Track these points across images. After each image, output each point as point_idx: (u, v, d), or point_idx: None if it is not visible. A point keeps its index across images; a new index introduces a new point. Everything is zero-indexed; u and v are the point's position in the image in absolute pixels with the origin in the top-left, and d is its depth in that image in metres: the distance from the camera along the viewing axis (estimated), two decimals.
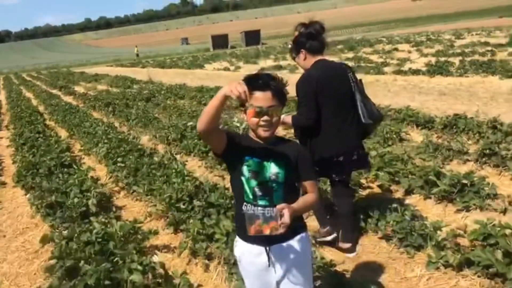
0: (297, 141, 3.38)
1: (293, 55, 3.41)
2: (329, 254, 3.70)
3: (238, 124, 7.94)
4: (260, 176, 1.99)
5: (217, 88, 15.06)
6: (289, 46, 3.54)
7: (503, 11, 59.23)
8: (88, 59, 71.34)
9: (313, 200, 2.05)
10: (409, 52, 23.74)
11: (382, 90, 12.50)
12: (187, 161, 6.33)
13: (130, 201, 5.62)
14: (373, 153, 6.17)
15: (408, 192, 4.77)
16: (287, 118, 3.37)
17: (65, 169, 6.48)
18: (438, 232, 3.60)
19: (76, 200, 4.78)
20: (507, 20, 43.59)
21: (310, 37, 3.32)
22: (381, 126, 7.10)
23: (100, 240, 3.79)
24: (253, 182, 1.99)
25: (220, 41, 59.89)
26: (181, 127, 8.00)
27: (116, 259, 3.42)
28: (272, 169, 1.99)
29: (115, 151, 6.88)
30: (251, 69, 25.24)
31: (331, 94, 3.28)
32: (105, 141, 7.58)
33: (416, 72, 14.68)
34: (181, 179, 5.09)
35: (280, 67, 23.25)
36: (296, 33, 3.40)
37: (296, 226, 2.00)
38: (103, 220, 4.43)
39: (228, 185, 3.83)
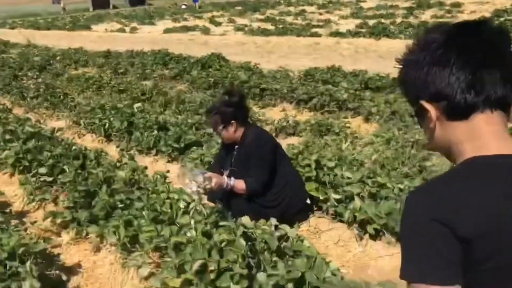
0: None
1: (219, 127, 3.11)
2: None
3: None
4: None
5: (128, 52, 12.18)
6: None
7: None
8: None
9: None
10: (320, 14, 22.61)
11: (335, 55, 10.90)
12: (168, 171, 3.98)
13: (85, 252, 3.20)
14: None
15: None
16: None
17: None
18: None
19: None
20: None
21: (240, 107, 3.14)
22: None
23: None
24: None
25: (100, 1, 53.55)
26: (126, 111, 5.45)
27: None
28: None
29: (32, 155, 4.20)
30: (152, 30, 22.35)
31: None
32: (7, 136, 4.78)
33: (356, 34, 13.34)
34: (191, 219, 2.83)
35: (188, 28, 20.59)
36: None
37: None
38: None
39: None
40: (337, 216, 3.28)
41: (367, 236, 3.09)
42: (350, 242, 3.11)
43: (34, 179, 3.99)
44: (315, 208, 3.42)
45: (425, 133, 1.10)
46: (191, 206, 2.94)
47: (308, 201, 3.27)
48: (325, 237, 3.20)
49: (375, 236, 3.06)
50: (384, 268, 2.83)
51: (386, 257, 2.90)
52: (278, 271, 2.23)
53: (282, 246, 2.48)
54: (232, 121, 3.06)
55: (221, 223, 2.68)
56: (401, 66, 1.07)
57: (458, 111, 0.98)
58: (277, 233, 2.51)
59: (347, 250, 3.04)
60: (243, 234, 2.50)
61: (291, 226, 3.22)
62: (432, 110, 1.00)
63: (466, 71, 0.95)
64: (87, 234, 3.30)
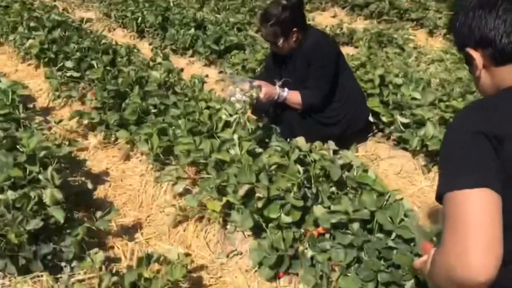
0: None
1: (279, 40, 2.50)
2: None
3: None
4: None
5: None
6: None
7: None
8: None
9: None
10: None
11: None
12: (207, 76, 3.52)
13: (114, 159, 2.89)
14: None
15: None
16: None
17: None
18: None
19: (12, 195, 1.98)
20: None
21: (299, 8, 2.54)
22: None
23: None
24: None
25: None
26: (161, 4, 4.88)
27: None
28: None
29: (58, 46, 3.80)
30: None
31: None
32: (32, 24, 4.33)
33: None
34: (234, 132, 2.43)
35: None
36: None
37: None
38: None
39: None
40: (401, 143, 2.83)
41: (435, 168, 2.66)
42: (415, 174, 2.69)
43: (60, 73, 3.62)
44: (375, 130, 2.98)
45: (474, 80, 1.08)
46: (233, 118, 2.53)
47: (370, 118, 2.82)
48: (384, 165, 2.79)
49: None
50: None
51: None
52: (341, 207, 1.84)
53: (344, 176, 2.08)
54: (294, 29, 2.52)
55: (273, 143, 2.27)
56: (452, 13, 1.05)
57: (505, 56, 0.95)
58: (340, 161, 2.09)
59: (411, 183, 2.64)
60: (298, 159, 2.10)
61: (347, 148, 2.82)
62: (477, 58, 0.99)
63: None
64: (116, 139, 2.98)
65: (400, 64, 3.51)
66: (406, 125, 2.76)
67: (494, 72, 0.98)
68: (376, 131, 2.97)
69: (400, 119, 2.75)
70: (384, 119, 2.83)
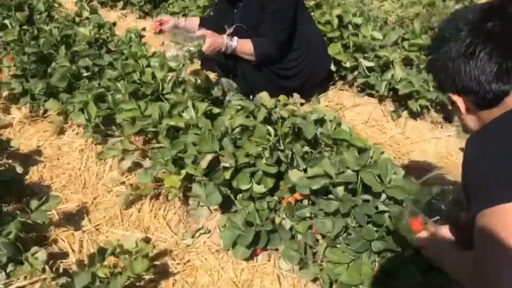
0: None
1: None
2: None
3: None
4: None
5: None
6: None
7: None
8: None
9: None
10: None
11: None
12: (144, 29, 3.07)
13: (45, 134, 2.48)
14: None
15: None
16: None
17: None
18: None
19: None
20: None
21: None
22: None
23: None
24: None
25: None
26: None
27: None
28: None
29: None
30: None
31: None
32: None
33: None
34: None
35: None
36: None
37: None
38: None
39: None
40: (365, 89, 2.62)
41: (405, 113, 2.49)
42: (384, 122, 2.51)
43: None
44: (336, 77, 2.74)
45: (459, 120, 1.08)
46: (169, 76, 2.20)
47: (332, 67, 2.57)
48: (350, 114, 2.58)
49: (415, 114, 2.45)
50: (429, 152, 2.28)
51: (432, 140, 2.33)
52: (321, 170, 1.60)
53: (318, 133, 1.83)
54: None
55: (232, 102, 1.97)
56: (430, 56, 1.03)
57: (487, 103, 0.95)
58: (313, 116, 1.83)
59: (381, 131, 2.46)
60: (266, 118, 1.82)
61: (308, 100, 2.58)
62: (460, 103, 1.00)
63: (491, 62, 0.91)
64: (46, 111, 2.56)
65: (355, 3, 3.25)
66: (370, 69, 2.54)
67: (478, 114, 0.99)
68: (337, 78, 2.73)
69: (364, 62, 2.53)
70: (346, 64, 2.58)
